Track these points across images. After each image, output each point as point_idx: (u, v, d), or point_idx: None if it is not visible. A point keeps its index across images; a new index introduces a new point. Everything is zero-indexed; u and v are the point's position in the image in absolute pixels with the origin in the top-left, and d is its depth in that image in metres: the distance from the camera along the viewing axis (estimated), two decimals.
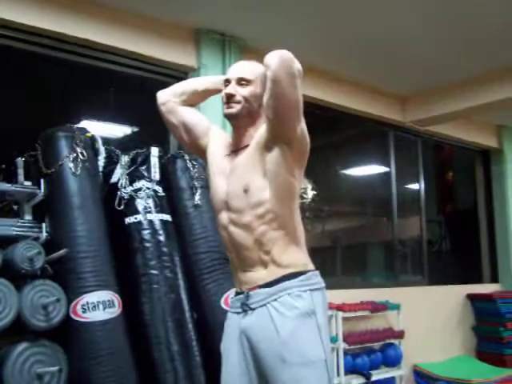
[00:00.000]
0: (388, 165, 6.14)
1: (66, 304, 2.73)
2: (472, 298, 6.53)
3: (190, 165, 3.41)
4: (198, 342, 3.06)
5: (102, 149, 3.24)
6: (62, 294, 2.72)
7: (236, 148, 2.10)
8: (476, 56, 4.87)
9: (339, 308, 4.77)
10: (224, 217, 2.06)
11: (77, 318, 2.75)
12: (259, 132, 2.03)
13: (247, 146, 2.06)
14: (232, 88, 2.03)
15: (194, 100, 2.26)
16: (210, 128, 2.23)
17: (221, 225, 2.09)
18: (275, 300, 1.94)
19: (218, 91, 2.20)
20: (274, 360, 1.89)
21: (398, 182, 6.19)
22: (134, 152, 3.32)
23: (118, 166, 3.24)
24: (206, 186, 3.40)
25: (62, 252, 2.76)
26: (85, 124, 3.91)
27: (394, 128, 6.06)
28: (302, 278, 1.98)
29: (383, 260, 6.80)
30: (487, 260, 7.22)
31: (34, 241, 2.79)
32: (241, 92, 2.02)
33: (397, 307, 5.30)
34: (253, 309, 1.97)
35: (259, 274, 1.99)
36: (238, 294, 2.06)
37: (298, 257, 2.03)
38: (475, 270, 7.18)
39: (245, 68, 2.08)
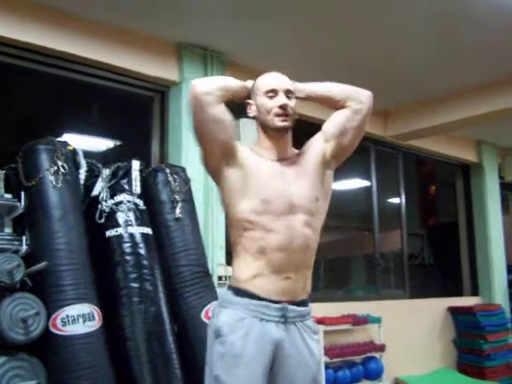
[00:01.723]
0: (369, 179, 6.20)
1: (46, 317, 2.71)
2: (453, 310, 6.57)
3: (171, 178, 3.43)
4: (179, 354, 3.06)
5: (83, 162, 3.24)
6: (41, 307, 2.71)
7: (281, 157, 2.13)
8: (456, 72, 4.95)
9: (320, 321, 4.77)
10: (292, 218, 2.02)
11: (56, 332, 2.74)
12: (314, 149, 2.16)
13: (292, 156, 2.15)
14: (286, 100, 2.07)
15: (228, 97, 2.09)
16: (236, 149, 2.13)
17: (283, 227, 2.01)
18: (302, 321, 2.05)
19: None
20: (305, 377, 2.02)
21: (379, 196, 6.24)
22: (115, 165, 3.32)
23: (99, 179, 3.24)
24: (187, 200, 3.44)
25: (41, 265, 2.75)
26: (67, 137, 3.91)
27: (375, 142, 6.12)
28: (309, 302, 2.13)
29: (365, 273, 6.84)
30: (468, 273, 7.27)
31: (13, 253, 2.79)
32: (290, 105, 2.08)
33: (378, 320, 5.32)
34: (286, 323, 2.00)
35: (298, 286, 2.04)
36: (265, 300, 1.99)
37: None
38: (456, 283, 7.24)
39: (286, 80, 2.12)
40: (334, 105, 2.18)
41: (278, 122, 2.07)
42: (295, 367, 2.00)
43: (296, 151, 2.20)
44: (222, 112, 2.04)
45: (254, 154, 2.13)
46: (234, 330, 1.98)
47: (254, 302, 2.00)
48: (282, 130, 2.09)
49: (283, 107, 2.05)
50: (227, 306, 2.04)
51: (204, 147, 2.11)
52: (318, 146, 2.16)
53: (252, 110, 2.15)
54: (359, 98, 2.16)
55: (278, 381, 2.00)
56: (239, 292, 2.04)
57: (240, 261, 2.07)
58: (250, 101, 2.16)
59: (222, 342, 1.99)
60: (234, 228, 2.10)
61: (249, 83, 2.18)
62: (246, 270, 2.04)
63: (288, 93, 2.08)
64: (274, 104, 2.07)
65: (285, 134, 2.13)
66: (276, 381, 2.00)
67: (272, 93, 2.08)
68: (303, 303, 2.07)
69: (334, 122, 2.17)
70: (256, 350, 1.96)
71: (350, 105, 2.14)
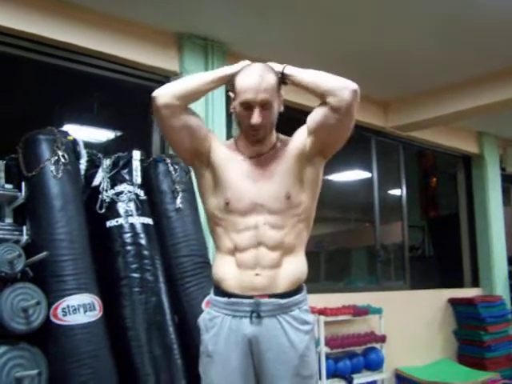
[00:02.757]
0: (370, 170, 6.20)
1: (47, 307, 2.72)
2: (453, 302, 6.58)
3: (171, 168, 3.42)
4: (179, 345, 3.07)
5: (83, 152, 3.24)
6: (42, 297, 2.71)
7: (256, 153, 2.08)
8: (457, 63, 4.93)
9: (321, 312, 4.78)
10: (255, 218, 2.01)
11: (57, 322, 2.74)
12: (295, 143, 2.08)
13: (270, 151, 2.09)
14: (259, 117, 1.97)
15: (194, 100, 2.09)
16: (209, 131, 2.16)
17: (247, 226, 2.01)
18: (286, 313, 2.00)
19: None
20: (286, 371, 1.96)
21: (380, 188, 6.23)
22: (116, 155, 3.32)
23: (100, 170, 3.24)
24: (188, 190, 3.43)
25: (42, 255, 2.75)
26: (68, 129, 3.90)
27: (375, 133, 6.11)
28: (305, 291, 2.09)
29: (366, 265, 6.85)
30: (468, 264, 7.28)
31: (14, 244, 2.78)
32: (267, 116, 2.00)
33: (379, 311, 5.33)
34: (261, 317, 1.97)
35: (270, 280, 1.99)
36: (237, 296, 2.00)
37: (304, 268, 2.10)
38: (457, 275, 7.25)
39: (265, 87, 1.97)
40: (317, 96, 2.04)
41: (250, 137, 2.05)
42: (275, 361, 1.97)
43: (282, 139, 2.14)
44: (185, 120, 2.04)
45: (231, 150, 2.12)
46: (207, 330, 2.05)
47: (226, 299, 2.02)
48: (256, 143, 2.06)
49: (254, 127, 1.99)
50: (210, 305, 2.11)
51: (176, 151, 2.17)
52: (300, 140, 2.09)
53: (232, 107, 2.09)
54: (340, 94, 1.96)
55: (262, 376, 2.00)
56: (216, 290, 2.09)
57: (216, 258, 2.13)
58: (231, 94, 2.08)
59: (201, 341, 2.08)
60: (208, 221, 2.16)
61: (228, 70, 2.08)
62: (220, 268, 2.08)
63: (265, 104, 1.98)
64: (247, 117, 2.00)
65: (261, 140, 2.07)
66: (260, 376, 2.00)
67: (246, 105, 1.98)
68: (287, 294, 2.01)
69: (313, 117, 2.05)
70: (227, 349, 1.99)
71: (330, 101, 1.97)
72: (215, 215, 2.08)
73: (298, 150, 2.07)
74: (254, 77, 1.99)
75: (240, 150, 2.11)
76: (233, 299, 2.00)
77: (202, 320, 2.10)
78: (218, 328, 2.01)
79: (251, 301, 1.97)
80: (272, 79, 2.02)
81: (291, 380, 1.96)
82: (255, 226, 2.00)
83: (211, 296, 2.11)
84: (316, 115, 2.05)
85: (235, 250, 2.03)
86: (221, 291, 2.05)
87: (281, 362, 1.96)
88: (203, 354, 2.07)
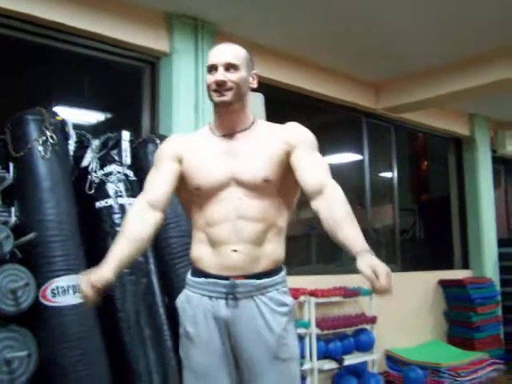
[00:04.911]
0: (361, 153, 6.19)
1: (36, 288, 2.71)
2: (444, 283, 6.62)
3: None
4: (169, 326, 3.06)
5: (72, 132, 3.21)
6: (31, 279, 2.69)
7: (230, 131, 2.06)
8: (448, 45, 4.91)
9: (312, 294, 4.79)
10: (231, 190, 1.97)
11: (46, 303, 2.74)
12: (281, 145, 2.04)
13: (245, 130, 2.07)
14: (222, 75, 1.99)
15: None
16: (173, 157, 2.10)
17: (222, 198, 1.98)
18: (263, 294, 1.96)
19: None
20: (263, 354, 1.93)
21: (371, 171, 6.23)
22: (105, 136, 3.30)
23: (89, 150, 3.21)
24: None
25: (30, 236, 2.73)
26: (57, 110, 3.85)
27: (367, 115, 6.09)
28: (283, 273, 2.05)
29: None
30: (459, 247, 7.31)
31: (2, 225, 2.75)
32: (231, 78, 2.00)
33: (369, 293, 5.32)
34: (237, 298, 1.94)
35: (248, 258, 1.95)
36: (213, 276, 1.96)
37: (282, 248, 2.06)
38: (447, 257, 7.28)
39: (230, 52, 2.03)
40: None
41: (215, 98, 2.01)
42: (253, 344, 1.94)
43: (262, 122, 2.15)
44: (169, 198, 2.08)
45: (202, 136, 2.13)
46: (184, 311, 2.03)
47: (202, 280, 1.99)
48: (221, 105, 2.02)
49: (218, 83, 1.99)
50: (186, 286, 2.07)
51: None
52: (283, 144, 2.05)
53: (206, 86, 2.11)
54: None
55: (239, 359, 1.97)
56: (193, 270, 2.06)
57: (192, 237, 2.09)
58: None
59: (180, 323, 2.06)
60: (183, 204, 2.19)
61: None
62: (195, 246, 2.05)
63: (228, 66, 2.00)
64: (212, 80, 2.01)
65: (230, 109, 2.04)
66: (238, 359, 1.97)
67: (212, 69, 2.02)
68: (263, 275, 1.97)
69: (298, 168, 2.05)
70: (205, 330, 1.97)
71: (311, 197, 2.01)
72: (189, 196, 2.09)
73: (284, 151, 2.04)
74: (221, 45, 2.09)
75: (214, 131, 2.10)
76: (209, 279, 1.97)
77: (180, 302, 2.06)
78: (195, 310, 1.99)
79: (227, 282, 1.94)
80: (242, 52, 2.07)
81: (270, 363, 1.93)
82: (231, 199, 1.97)
83: (188, 276, 2.07)
84: (302, 175, 2.04)
85: (208, 225, 1.99)
86: (197, 271, 2.02)
87: (258, 343, 1.93)
88: (182, 336, 2.04)
